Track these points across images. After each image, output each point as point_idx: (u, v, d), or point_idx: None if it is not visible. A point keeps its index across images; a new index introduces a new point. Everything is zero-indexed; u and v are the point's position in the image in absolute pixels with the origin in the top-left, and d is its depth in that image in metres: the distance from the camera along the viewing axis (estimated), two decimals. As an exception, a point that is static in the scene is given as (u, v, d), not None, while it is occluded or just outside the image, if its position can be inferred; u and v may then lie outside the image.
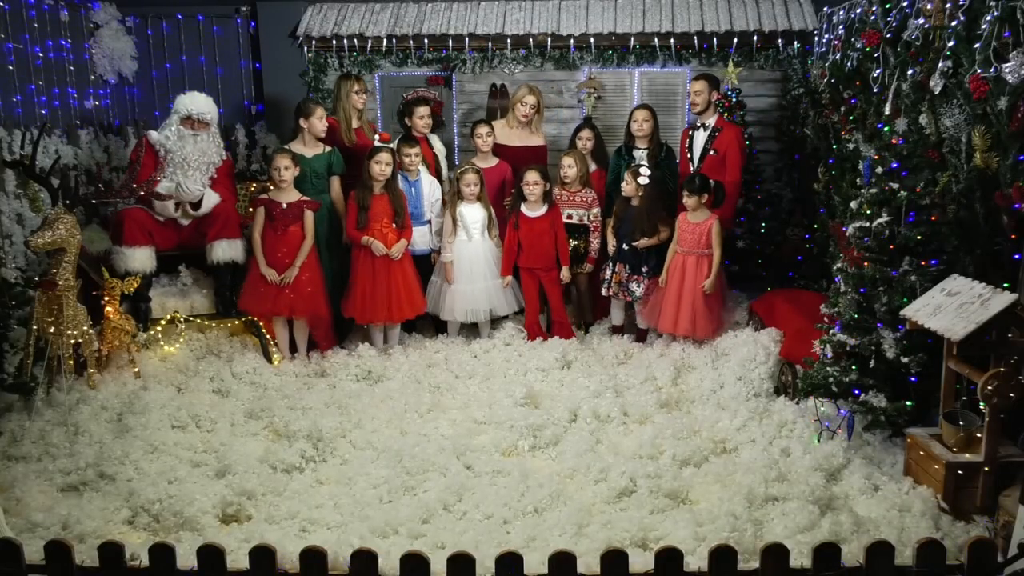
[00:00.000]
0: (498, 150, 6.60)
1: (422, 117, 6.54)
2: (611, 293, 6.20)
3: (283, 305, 5.82)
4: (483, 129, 6.46)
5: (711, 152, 6.37)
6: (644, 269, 6.06)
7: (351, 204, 5.97)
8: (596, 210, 6.32)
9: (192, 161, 5.86)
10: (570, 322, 6.44)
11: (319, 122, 6.20)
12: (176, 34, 8.05)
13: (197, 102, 5.96)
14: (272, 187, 5.95)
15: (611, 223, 6.22)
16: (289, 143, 6.32)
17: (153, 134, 5.92)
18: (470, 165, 6.30)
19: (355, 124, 6.57)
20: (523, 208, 6.18)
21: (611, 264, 6.18)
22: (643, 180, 5.99)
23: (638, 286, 6.09)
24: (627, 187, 6.04)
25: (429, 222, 6.34)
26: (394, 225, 5.98)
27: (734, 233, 6.79)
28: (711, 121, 6.46)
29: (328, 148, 6.31)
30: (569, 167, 6.27)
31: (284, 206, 5.82)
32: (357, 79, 6.57)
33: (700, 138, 6.49)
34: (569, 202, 6.33)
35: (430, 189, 6.31)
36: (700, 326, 5.89)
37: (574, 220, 6.33)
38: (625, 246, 6.09)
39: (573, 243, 6.33)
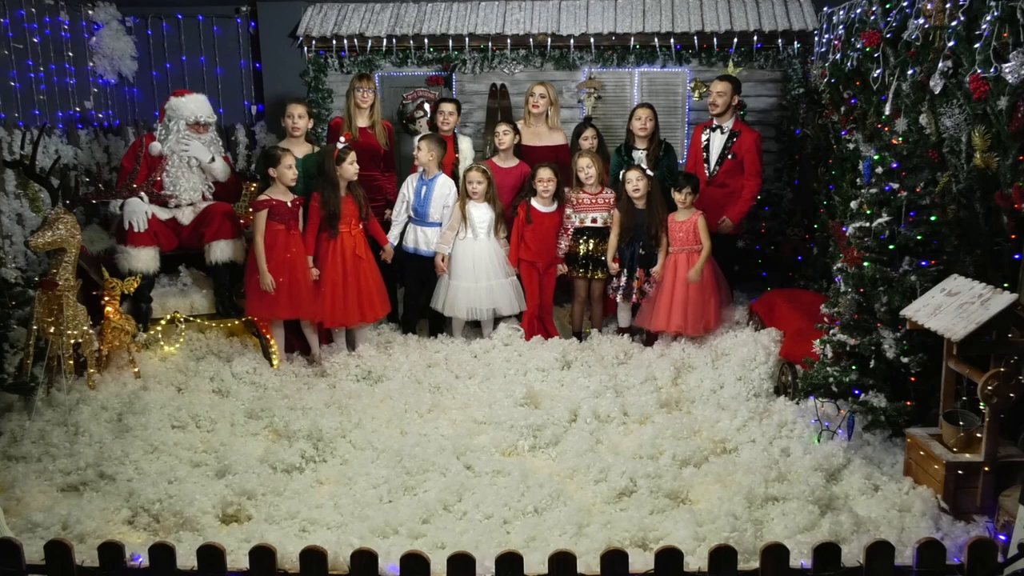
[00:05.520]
0: (519, 151, 6.58)
1: (442, 112, 6.54)
2: (636, 299, 6.16)
3: (307, 307, 5.85)
4: (501, 127, 6.44)
5: (729, 156, 6.36)
6: (653, 270, 6.09)
7: (316, 211, 5.86)
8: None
9: (200, 162, 6.01)
10: (581, 324, 6.45)
11: (290, 120, 6.26)
12: (176, 34, 8.05)
13: (203, 107, 6.06)
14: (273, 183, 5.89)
15: (614, 232, 6.13)
16: (278, 142, 6.36)
17: (156, 146, 5.96)
18: (479, 164, 6.29)
19: (363, 123, 6.57)
20: (534, 203, 6.18)
21: (625, 270, 6.15)
22: (650, 172, 6.04)
23: (650, 286, 6.11)
24: (641, 184, 5.98)
25: (438, 223, 6.27)
26: (360, 224, 5.98)
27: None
28: (729, 124, 6.44)
29: (316, 148, 6.32)
30: (588, 167, 6.18)
31: (289, 205, 5.80)
32: (360, 77, 6.58)
33: (718, 141, 6.46)
34: (592, 205, 6.24)
35: (442, 191, 6.25)
36: (692, 322, 5.91)
37: (599, 223, 6.24)
38: (642, 251, 6.08)
39: (592, 245, 6.24)
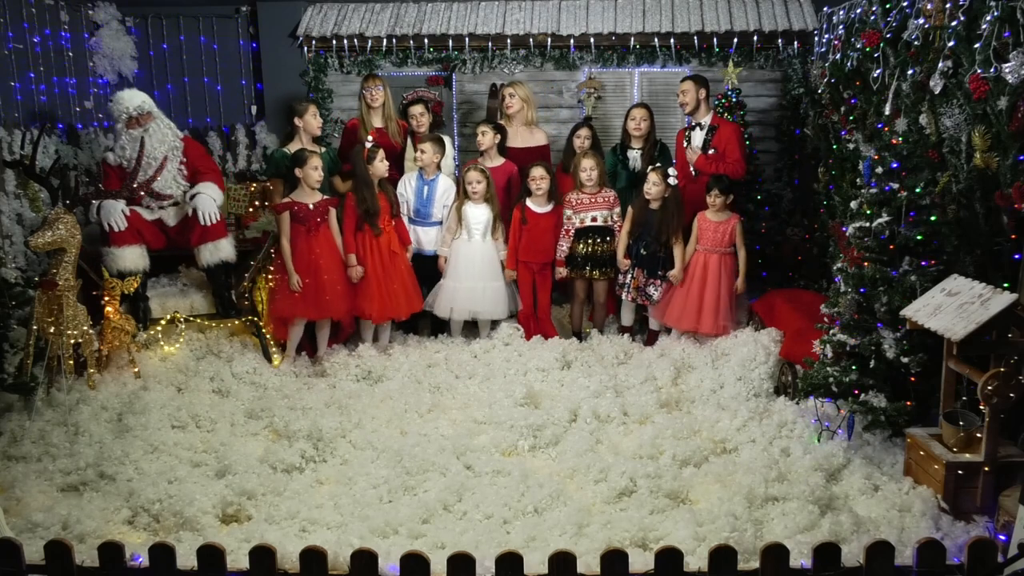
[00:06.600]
0: (502, 151, 6.57)
1: (413, 116, 6.54)
2: (630, 298, 6.19)
3: (331, 308, 5.85)
4: (480, 127, 6.45)
5: (710, 150, 6.37)
6: (660, 273, 6.07)
7: (352, 214, 5.89)
8: (618, 208, 6.25)
9: (158, 155, 5.81)
10: (581, 324, 6.44)
11: (313, 119, 6.25)
12: (176, 33, 8.04)
13: (127, 100, 5.84)
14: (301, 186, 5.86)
15: (624, 229, 6.14)
16: (285, 146, 6.34)
17: (111, 156, 5.89)
18: (475, 164, 6.30)
19: (377, 123, 6.56)
20: (530, 203, 6.18)
21: (629, 268, 6.16)
22: (672, 180, 6.00)
23: (655, 290, 6.09)
24: (656, 188, 5.98)
25: (440, 223, 6.28)
26: (393, 221, 6.04)
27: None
28: (707, 120, 6.44)
29: (323, 148, 6.31)
30: (591, 169, 6.16)
31: (311, 206, 5.80)
32: (367, 77, 6.60)
33: (698, 137, 6.48)
34: (592, 204, 6.22)
35: (444, 191, 6.27)
36: (723, 323, 5.95)
37: (599, 222, 6.23)
38: (643, 251, 6.08)
39: (593, 245, 6.21)
